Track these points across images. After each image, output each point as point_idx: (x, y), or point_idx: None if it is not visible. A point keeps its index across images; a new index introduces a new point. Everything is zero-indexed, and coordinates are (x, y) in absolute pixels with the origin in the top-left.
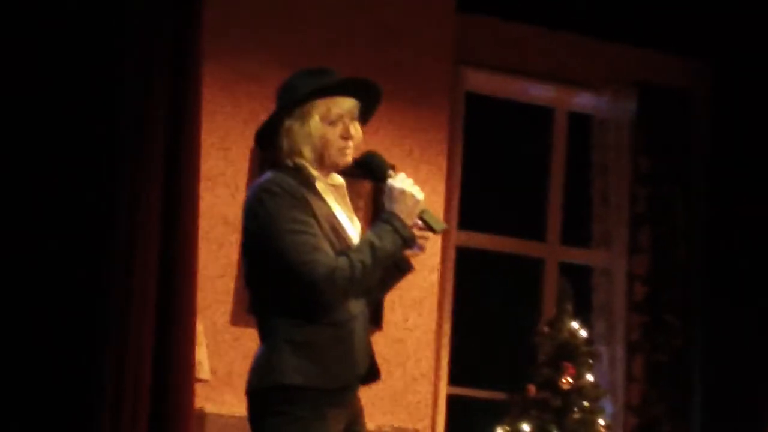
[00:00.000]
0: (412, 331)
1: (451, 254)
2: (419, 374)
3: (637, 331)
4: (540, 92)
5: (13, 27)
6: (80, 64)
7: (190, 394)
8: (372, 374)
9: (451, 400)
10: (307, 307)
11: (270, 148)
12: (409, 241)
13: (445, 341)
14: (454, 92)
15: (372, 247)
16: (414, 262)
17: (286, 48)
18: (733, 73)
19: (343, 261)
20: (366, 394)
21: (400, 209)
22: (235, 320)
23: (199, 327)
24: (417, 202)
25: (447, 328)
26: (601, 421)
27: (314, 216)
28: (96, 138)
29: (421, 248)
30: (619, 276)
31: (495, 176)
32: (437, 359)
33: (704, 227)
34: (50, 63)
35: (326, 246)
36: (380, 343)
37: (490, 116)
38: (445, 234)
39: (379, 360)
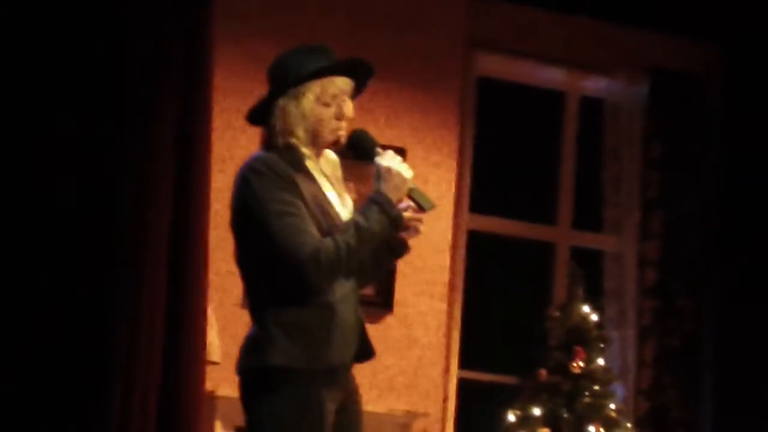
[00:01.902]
0: (423, 315)
1: (463, 238)
2: (430, 358)
3: (648, 316)
4: (551, 76)
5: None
6: (88, 49)
7: (201, 376)
8: (365, 353)
9: (462, 384)
10: (293, 288)
11: (262, 126)
12: (396, 220)
13: (456, 325)
14: (466, 76)
15: (358, 227)
16: (426, 245)
17: (297, 32)
18: (746, 57)
19: (328, 242)
20: (377, 378)
21: (387, 188)
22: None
23: (210, 310)
24: (404, 180)
25: (458, 311)
26: (612, 406)
27: (301, 196)
28: (104, 125)
29: (417, 230)
30: (630, 261)
31: (506, 160)
32: (448, 343)
33: (716, 212)
34: (57, 41)
35: (312, 227)
36: (391, 327)
37: (501, 100)
38: (457, 218)
39: (389, 343)
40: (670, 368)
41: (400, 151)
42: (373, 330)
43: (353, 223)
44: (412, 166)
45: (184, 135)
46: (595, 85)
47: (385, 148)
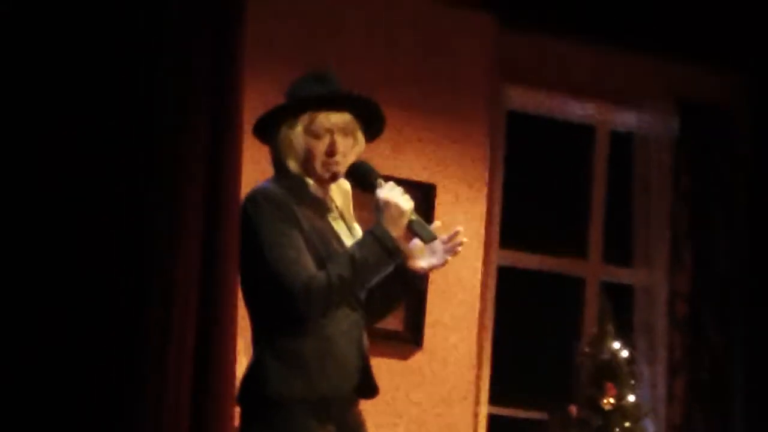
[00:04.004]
0: (452, 351)
1: (492, 273)
2: (460, 394)
3: (679, 350)
4: (581, 110)
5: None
6: (115, 79)
7: (230, 412)
8: (368, 389)
9: (492, 420)
10: (287, 318)
11: (268, 145)
12: (393, 252)
13: (486, 360)
14: (496, 109)
15: (352, 259)
16: (455, 281)
17: (326, 60)
18: None
19: (320, 275)
20: (406, 414)
21: (385, 219)
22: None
23: (241, 344)
24: (402, 212)
25: (487, 347)
26: None
27: (299, 227)
28: (134, 137)
29: (439, 261)
30: (660, 295)
31: (536, 194)
32: (477, 379)
33: (746, 245)
34: (88, 48)
35: (306, 258)
36: (421, 362)
37: (531, 134)
38: (487, 253)
39: (419, 379)
40: (701, 403)
41: (429, 187)
42: (402, 365)
43: (348, 255)
44: (441, 202)
45: (214, 163)
46: (624, 118)
47: (412, 183)
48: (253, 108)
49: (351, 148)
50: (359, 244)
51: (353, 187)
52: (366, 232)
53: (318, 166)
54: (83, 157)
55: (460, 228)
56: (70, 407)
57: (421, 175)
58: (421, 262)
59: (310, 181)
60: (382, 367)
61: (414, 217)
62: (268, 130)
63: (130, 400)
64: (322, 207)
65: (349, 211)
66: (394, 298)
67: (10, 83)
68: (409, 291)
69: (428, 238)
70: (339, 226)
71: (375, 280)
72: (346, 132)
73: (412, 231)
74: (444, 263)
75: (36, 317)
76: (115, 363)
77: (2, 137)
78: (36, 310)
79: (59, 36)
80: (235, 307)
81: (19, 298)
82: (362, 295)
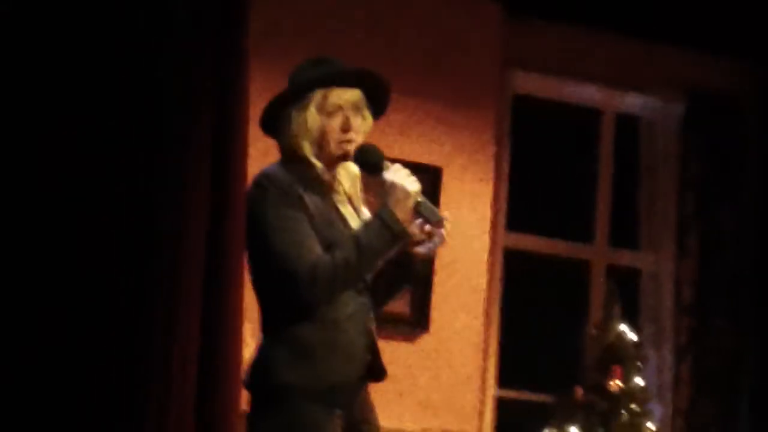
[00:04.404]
0: (459, 334)
1: (499, 256)
2: (467, 377)
3: (685, 335)
4: (588, 94)
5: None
6: (120, 72)
7: (236, 395)
8: (376, 372)
9: (499, 403)
10: (294, 304)
11: (275, 136)
12: (399, 235)
13: (493, 343)
14: (502, 94)
15: (358, 243)
16: (462, 264)
17: (334, 50)
18: None
19: (325, 258)
20: (414, 397)
21: (391, 202)
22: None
23: (246, 327)
24: (408, 194)
25: (494, 330)
26: (649, 425)
27: (305, 211)
28: (138, 150)
29: (442, 238)
30: (667, 279)
31: (542, 178)
32: (485, 361)
33: (752, 230)
34: (92, 46)
35: (312, 242)
36: (428, 346)
37: (537, 118)
38: (494, 236)
39: (425, 362)
40: (708, 387)
41: (436, 169)
42: (409, 349)
43: (354, 238)
44: (448, 185)
45: (219, 157)
46: (631, 103)
47: (419, 166)
48: (258, 100)
49: (360, 126)
50: (365, 227)
51: (360, 170)
52: (372, 216)
53: (333, 144)
54: (89, 154)
55: (446, 213)
56: (77, 406)
57: (428, 158)
58: (420, 248)
59: (318, 165)
60: (389, 351)
61: (420, 199)
62: (277, 117)
63: (135, 398)
64: (329, 190)
65: (357, 194)
66: (397, 284)
67: (10, 84)
68: (412, 277)
69: (434, 220)
70: (346, 210)
71: (381, 262)
72: (356, 109)
73: (418, 213)
74: (444, 240)
75: (41, 317)
76: (120, 361)
77: (4, 138)
78: (42, 310)
79: (60, 31)
80: (240, 301)
81: (27, 299)
82: (369, 278)
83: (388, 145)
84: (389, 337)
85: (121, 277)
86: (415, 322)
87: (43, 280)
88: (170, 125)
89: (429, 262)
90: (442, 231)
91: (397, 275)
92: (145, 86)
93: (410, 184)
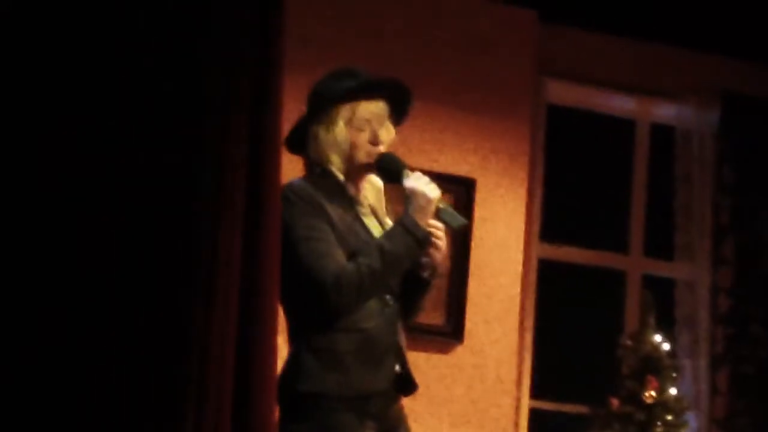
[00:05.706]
0: (494, 344)
1: (534, 266)
2: (501, 388)
3: (721, 344)
4: (622, 103)
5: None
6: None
7: (271, 405)
8: (406, 386)
9: (534, 414)
10: (319, 312)
11: (301, 154)
12: (422, 242)
13: (527, 354)
14: (536, 103)
15: (381, 250)
16: (496, 275)
17: (367, 59)
18: None
19: (350, 266)
20: (448, 408)
21: (413, 209)
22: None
23: (282, 340)
24: (429, 200)
25: (529, 340)
26: None
27: (330, 222)
28: (174, 156)
29: (436, 247)
30: (702, 288)
31: (577, 188)
32: (519, 372)
33: None
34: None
35: (337, 251)
36: (462, 356)
37: (571, 127)
38: (528, 247)
39: (460, 373)
40: (744, 396)
41: (470, 181)
42: (443, 360)
43: (378, 245)
44: (481, 196)
45: (254, 169)
46: (665, 111)
47: (453, 178)
48: (291, 111)
49: (386, 137)
50: (388, 234)
51: (381, 178)
52: (395, 224)
53: (361, 156)
54: (128, 165)
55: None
56: (117, 409)
57: (461, 170)
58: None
59: (341, 177)
60: (423, 362)
61: (442, 205)
62: (302, 133)
63: (174, 399)
64: (352, 202)
65: (382, 207)
66: (414, 296)
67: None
68: (424, 284)
69: (455, 225)
70: (370, 221)
71: (404, 268)
72: (382, 121)
73: (440, 219)
74: (439, 248)
75: (91, 321)
76: (160, 363)
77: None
78: (88, 314)
79: (101, 37)
80: (275, 312)
81: (72, 303)
82: (397, 289)
83: (422, 157)
84: (424, 348)
85: (161, 286)
86: (450, 334)
87: (89, 286)
88: (208, 137)
89: (433, 270)
90: (438, 242)
91: (411, 287)
92: (182, 98)
93: (431, 190)
